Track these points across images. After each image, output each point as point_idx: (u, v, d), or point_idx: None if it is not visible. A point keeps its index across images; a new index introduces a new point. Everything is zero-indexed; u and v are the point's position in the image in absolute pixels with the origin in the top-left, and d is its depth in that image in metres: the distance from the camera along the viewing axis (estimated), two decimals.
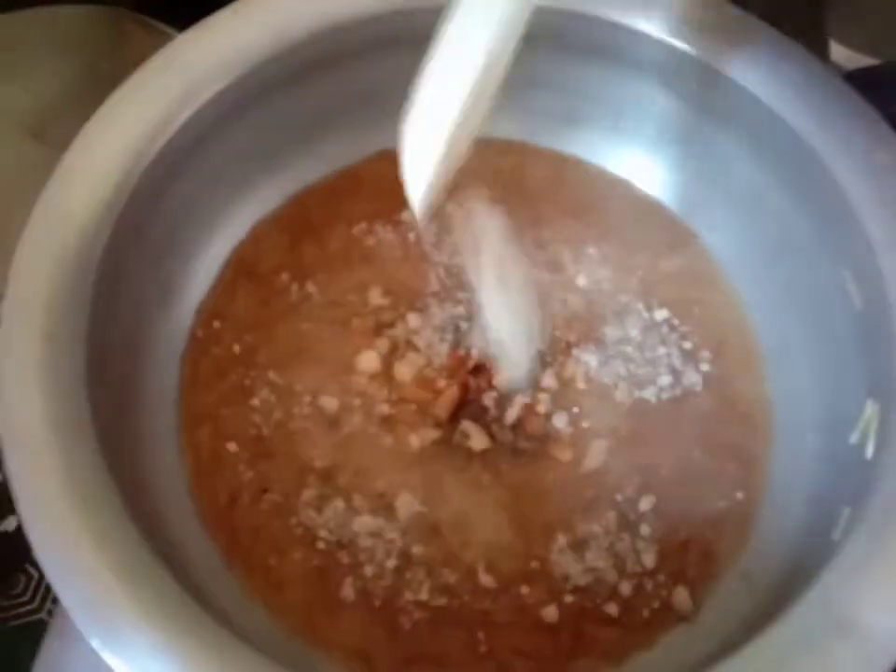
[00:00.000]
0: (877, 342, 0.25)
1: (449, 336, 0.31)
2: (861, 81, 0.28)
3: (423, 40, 0.32)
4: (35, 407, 0.22)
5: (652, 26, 0.30)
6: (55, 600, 0.34)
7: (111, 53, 0.40)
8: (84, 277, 0.24)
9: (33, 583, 0.34)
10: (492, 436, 0.29)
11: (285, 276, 0.32)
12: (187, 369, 0.30)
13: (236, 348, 0.30)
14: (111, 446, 0.23)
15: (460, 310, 0.31)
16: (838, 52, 0.45)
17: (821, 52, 0.40)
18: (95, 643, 0.19)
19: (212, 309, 0.31)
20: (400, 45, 0.32)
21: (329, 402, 0.29)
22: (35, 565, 0.34)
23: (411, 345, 0.30)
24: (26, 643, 0.31)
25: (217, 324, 0.31)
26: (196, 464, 0.29)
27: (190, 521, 0.27)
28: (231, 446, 0.29)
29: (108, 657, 0.19)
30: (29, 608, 0.34)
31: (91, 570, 0.20)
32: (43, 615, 0.34)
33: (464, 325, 0.31)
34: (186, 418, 0.29)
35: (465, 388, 0.29)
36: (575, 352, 0.30)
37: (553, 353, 0.30)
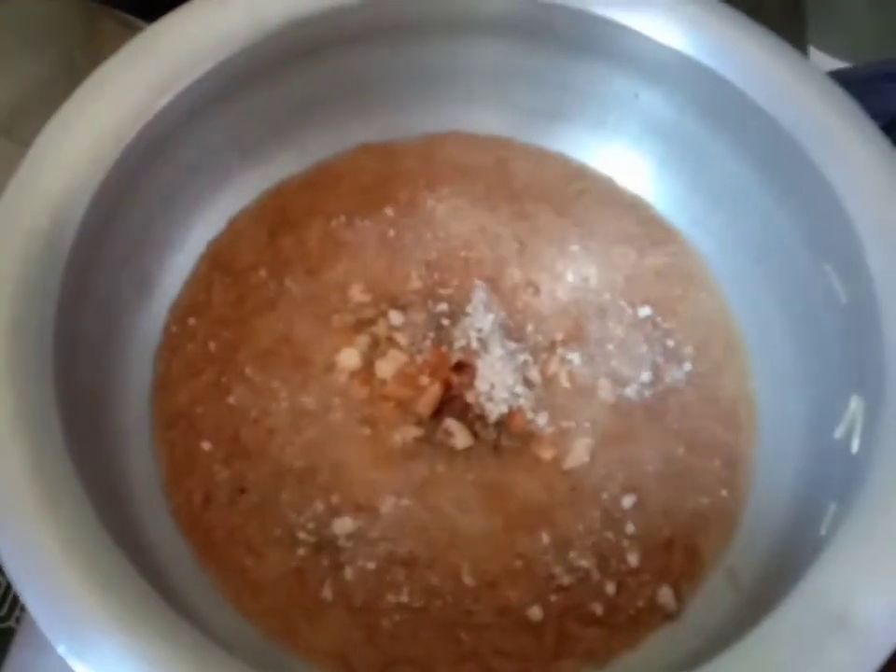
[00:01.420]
0: (863, 337, 0.25)
1: (431, 333, 0.30)
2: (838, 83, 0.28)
3: (402, 31, 0.32)
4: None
5: (638, 21, 0.29)
6: (24, 608, 0.33)
7: (84, 49, 0.39)
8: (53, 266, 0.24)
9: (1, 591, 0.33)
10: (475, 434, 0.28)
11: (262, 271, 0.31)
12: (160, 365, 0.29)
13: (212, 345, 0.30)
14: (81, 444, 0.22)
15: (442, 307, 0.31)
16: (815, 56, 0.45)
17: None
18: (62, 650, 0.18)
19: (187, 304, 0.30)
20: (380, 36, 0.31)
21: (309, 400, 0.29)
22: (3, 572, 0.34)
23: (392, 342, 0.30)
24: None
25: (192, 320, 0.30)
26: (170, 463, 0.28)
27: (164, 521, 0.26)
28: (206, 445, 0.28)
29: (75, 664, 0.18)
30: None
31: (57, 573, 0.19)
32: (12, 623, 0.33)
33: (446, 322, 0.30)
34: (159, 416, 0.28)
35: (447, 385, 0.29)
36: (559, 349, 0.30)
37: (536, 350, 0.30)
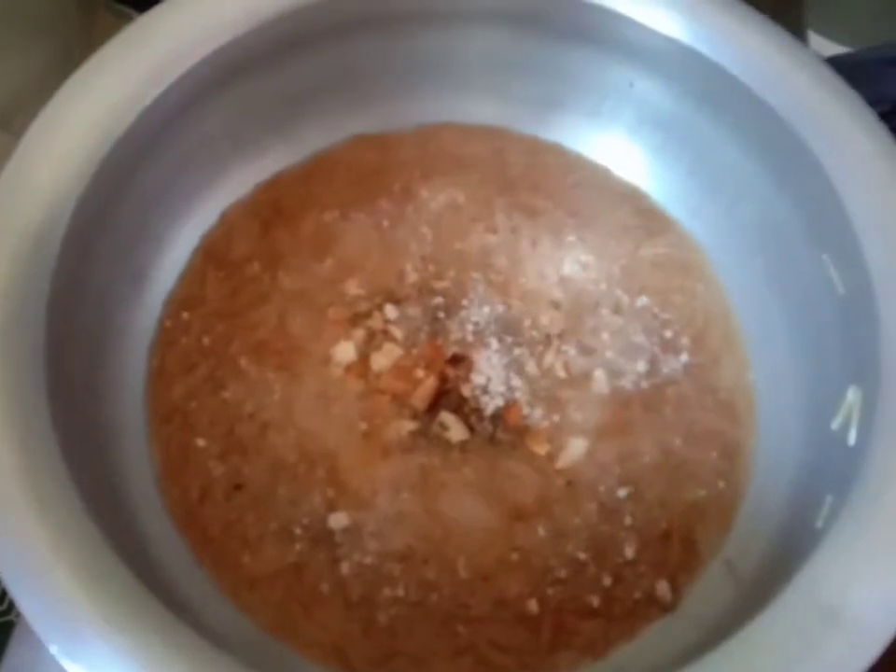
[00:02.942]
0: (860, 328, 0.25)
1: (426, 326, 0.30)
2: (836, 69, 0.28)
3: (396, 21, 0.31)
4: None
5: (633, 9, 0.29)
6: None
7: (81, 41, 0.39)
8: (44, 261, 0.23)
9: (1, 585, 0.33)
10: (470, 427, 0.28)
11: (256, 264, 0.31)
12: (154, 360, 0.29)
13: (206, 340, 0.30)
14: (74, 442, 0.22)
15: (438, 300, 0.31)
16: (814, 41, 0.45)
17: (800, 40, 0.40)
18: (54, 650, 0.18)
19: (181, 298, 0.30)
20: (374, 26, 0.31)
21: (304, 394, 0.29)
22: None
23: (388, 336, 0.30)
24: None
25: (185, 314, 0.30)
26: (165, 459, 0.28)
27: (160, 517, 0.26)
28: (201, 441, 0.28)
29: (68, 664, 0.18)
30: None
31: (49, 572, 0.19)
32: (12, 616, 0.33)
33: (441, 315, 0.30)
34: (153, 411, 0.28)
35: (443, 379, 0.29)
36: (555, 341, 0.30)
37: (533, 343, 0.30)
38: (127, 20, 0.39)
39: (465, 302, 0.30)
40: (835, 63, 0.28)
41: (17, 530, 0.20)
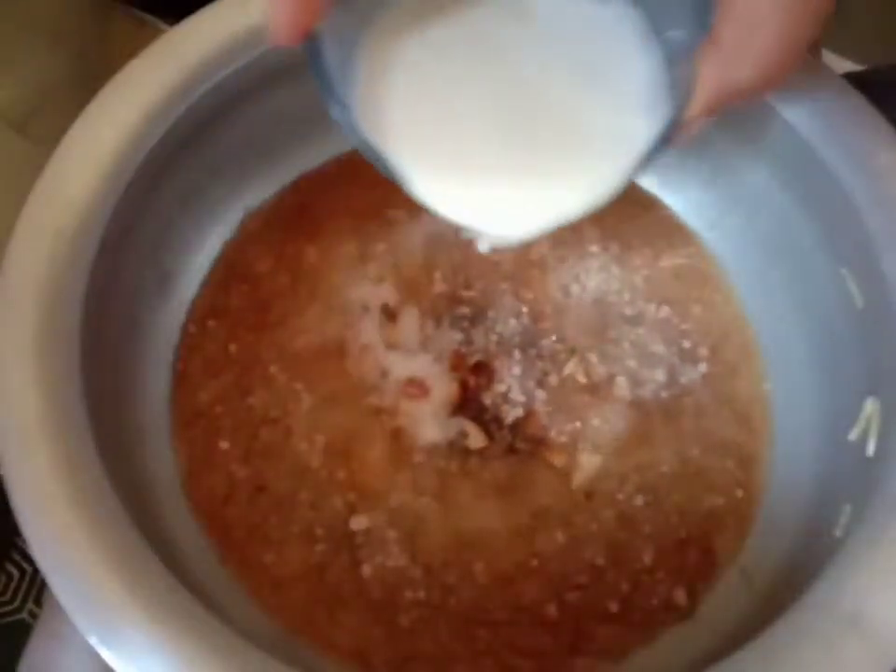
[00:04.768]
0: (879, 340, 0.25)
1: (452, 335, 0.30)
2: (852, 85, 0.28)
3: None
4: (29, 402, 0.22)
5: None
6: (37, 601, 0.33)
7: (98, 46, 0.39)
8: (79, 268, 0.24)
9: (13, 583, 0.34)
10: (490, 435, 0.29)
11: (281, 272, 0.31)
12: (180, 364, 0.30)
13: (232, 347, 0.30)
14: (106, 441, 0.23)
15: (464, 309, 0.31)
16: (826, 57, 0.45)
17: (813, 56, 0.40)
18: (93, 640, 0.19)
19: (207, 304, 0.31)
20: None
21: (328, 400, 0.29)
22: (16, 564, 0.34)
23: (413, 342, 0.30)
24: (7, 643, 0.30)
25: (211, 322, 0.30)
26: (189, 462, 0.28)
27: (185, 518, 0.27)
28: (225, 444, 0.28)
29: (106, 654, 0.19)
30: (9, 608, 0.33)
31: (89, 567, 0.20)
32: (24, 615, 0.33)
33: (466, 324, 0.31)
34: (178, 415, 0.29)
35: (465, 387, 0.29)
36: (577, 352, 0.30)
37: (555, 353, 0.30)
38: (144, 24, 0.39)
39: (490, 313, 0.31)
40: (852, 81, 0.28)
41: (57, 528, 0.20)
